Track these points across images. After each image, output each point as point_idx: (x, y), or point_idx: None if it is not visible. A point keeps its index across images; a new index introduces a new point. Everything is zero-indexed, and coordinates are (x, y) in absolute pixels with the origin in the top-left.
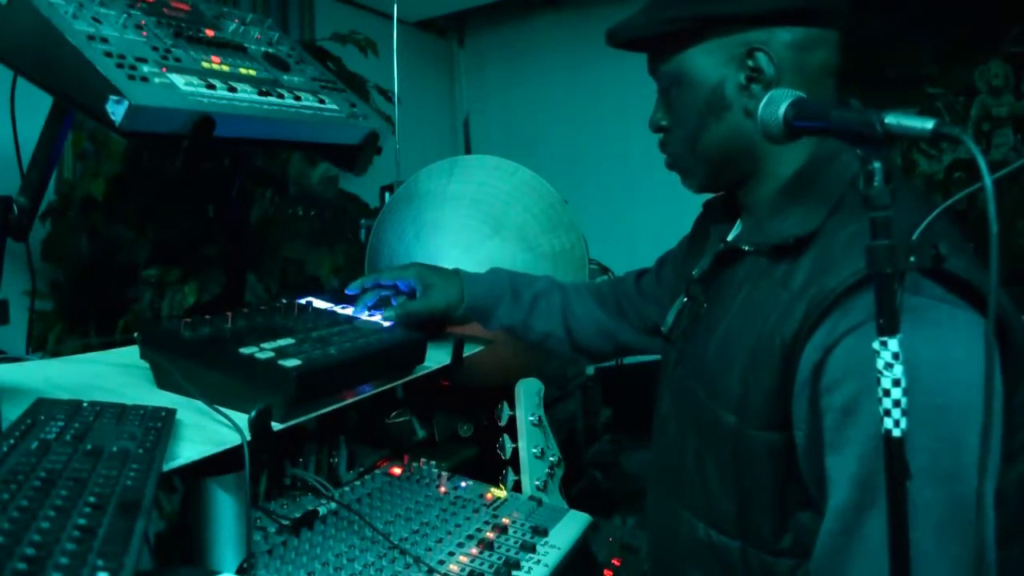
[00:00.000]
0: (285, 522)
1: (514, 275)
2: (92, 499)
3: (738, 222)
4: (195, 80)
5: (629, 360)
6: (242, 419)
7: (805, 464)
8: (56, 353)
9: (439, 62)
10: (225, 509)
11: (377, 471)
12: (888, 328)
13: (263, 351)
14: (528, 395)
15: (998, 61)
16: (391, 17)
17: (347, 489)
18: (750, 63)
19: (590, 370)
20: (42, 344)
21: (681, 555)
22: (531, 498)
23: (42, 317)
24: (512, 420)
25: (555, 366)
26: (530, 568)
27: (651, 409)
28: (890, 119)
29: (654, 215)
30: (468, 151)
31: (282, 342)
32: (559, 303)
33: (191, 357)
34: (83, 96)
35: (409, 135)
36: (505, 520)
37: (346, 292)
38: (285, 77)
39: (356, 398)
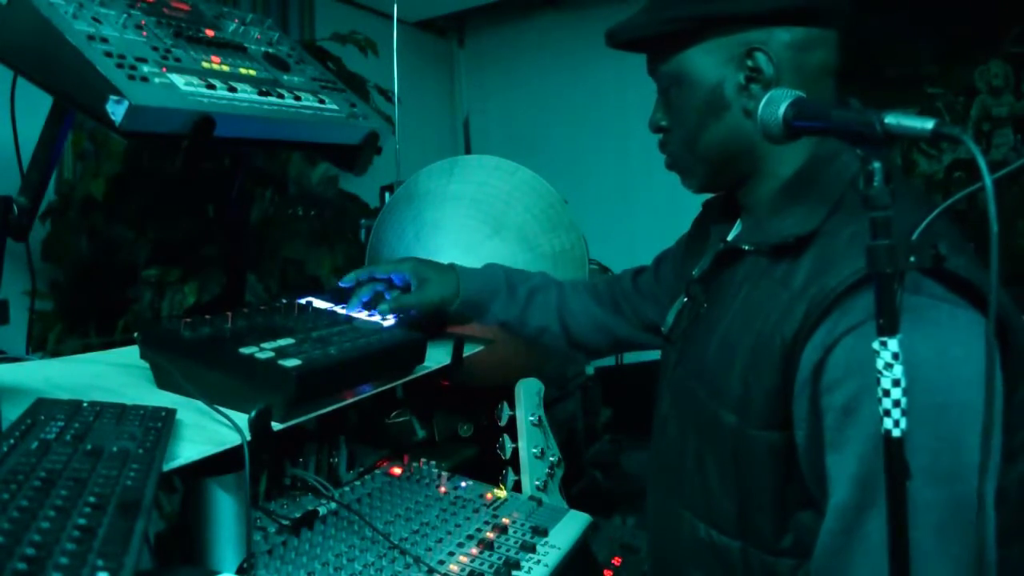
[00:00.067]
0: (285, 522)
1: (509, 271)
2: (92, 499)
3: (738, 222)
4: (195, 80)
5: (629, 360)
6: (242, 419)
7: (805, 464)
8: (56, 353)
9: (439, 62)
10: (225, 509)
11: (377, 471)
12: (888, 328)
13: (263, 351)
14: (528, 395)
15: (998, 61)
16: (391, 17)
17: (347, 489)
18: (749, 63)
19: (590, 370)
20: (42, 344)
21: (681, 555)
22: (531, 498)
23: (42, 317)
24: (512, 420)
25: (555, 366)
26: (530, 568)
27: (651, 409)
28: (890, 119)
29: (654, 215)
30: (468, 151)
31: (282, 342)
32: (555, 298)
33: (191, 357)
34: (83, 96)
35: (409, 135)
36: (505, 520)
37: (340, 285)
38: (285, 77)
39: (356, 398)
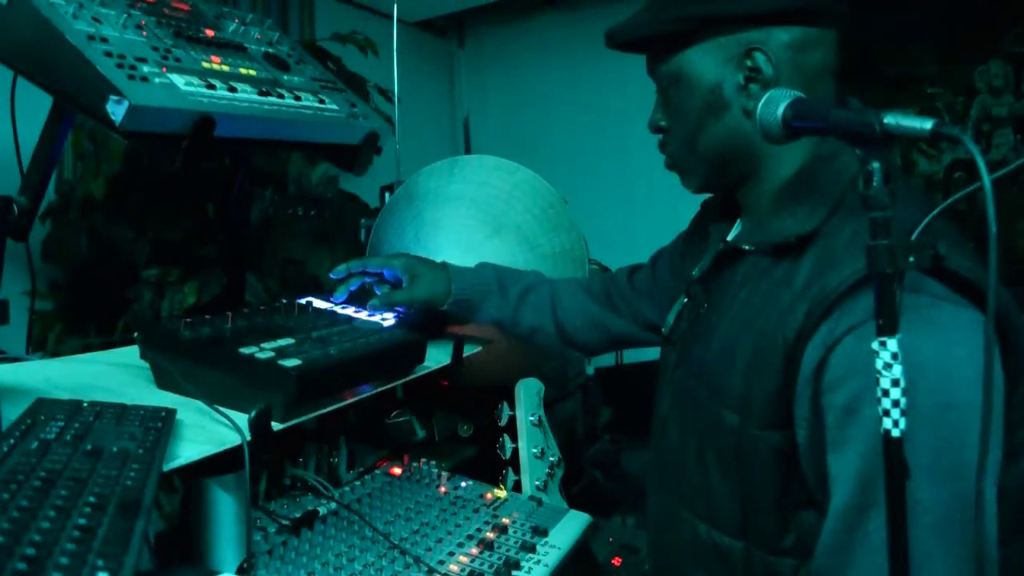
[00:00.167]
0: (285, 522)
1: (500, 270)
2: (92, 499)
3: (738, 222)
4: (195, 80)
5: (629, 360)
6: (242, 419)
7: (807, 463)
8: (56, 353)
9: (439, 62)
10: (225, 509)
11: (377, 471)
12: (887, 328)
13: (263, 351)
14: (528, 395)
15: (998, 61)
16: (391, 17)
17: (347, 489)
18: (748, 63)
19: (590, 370)
20: (42, 344)
21: (682, 555)
22: (531, 498)
23: (42, 317)
24: (512, 420)
25: (555, 366)
26: (530, 568)
27: (651, 409)
28: (889, 119)
29: (654, 215)
30: (468, 151)
31: (282, 342)
32: (548, 297)
33: (191, 357)
34: (83, 96)
35: (409, 135)
36: (505, 520)
37: (331, 275)
38: (285, 77)
39: (356, 398)
